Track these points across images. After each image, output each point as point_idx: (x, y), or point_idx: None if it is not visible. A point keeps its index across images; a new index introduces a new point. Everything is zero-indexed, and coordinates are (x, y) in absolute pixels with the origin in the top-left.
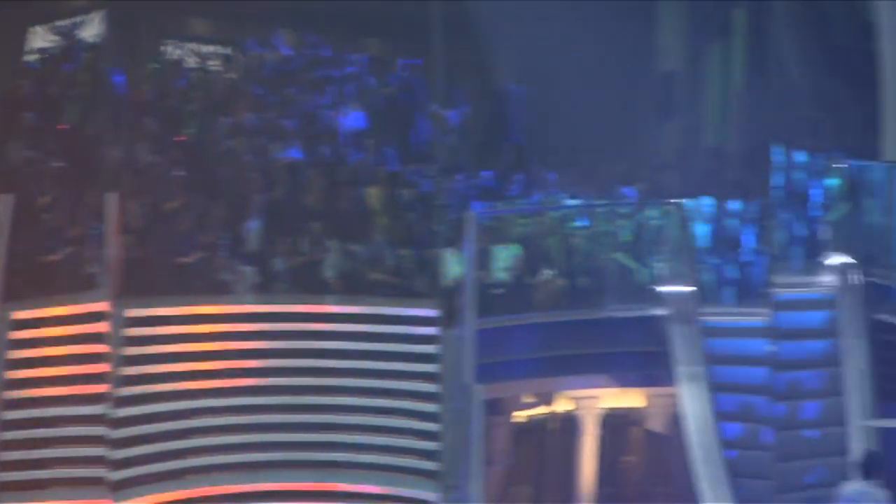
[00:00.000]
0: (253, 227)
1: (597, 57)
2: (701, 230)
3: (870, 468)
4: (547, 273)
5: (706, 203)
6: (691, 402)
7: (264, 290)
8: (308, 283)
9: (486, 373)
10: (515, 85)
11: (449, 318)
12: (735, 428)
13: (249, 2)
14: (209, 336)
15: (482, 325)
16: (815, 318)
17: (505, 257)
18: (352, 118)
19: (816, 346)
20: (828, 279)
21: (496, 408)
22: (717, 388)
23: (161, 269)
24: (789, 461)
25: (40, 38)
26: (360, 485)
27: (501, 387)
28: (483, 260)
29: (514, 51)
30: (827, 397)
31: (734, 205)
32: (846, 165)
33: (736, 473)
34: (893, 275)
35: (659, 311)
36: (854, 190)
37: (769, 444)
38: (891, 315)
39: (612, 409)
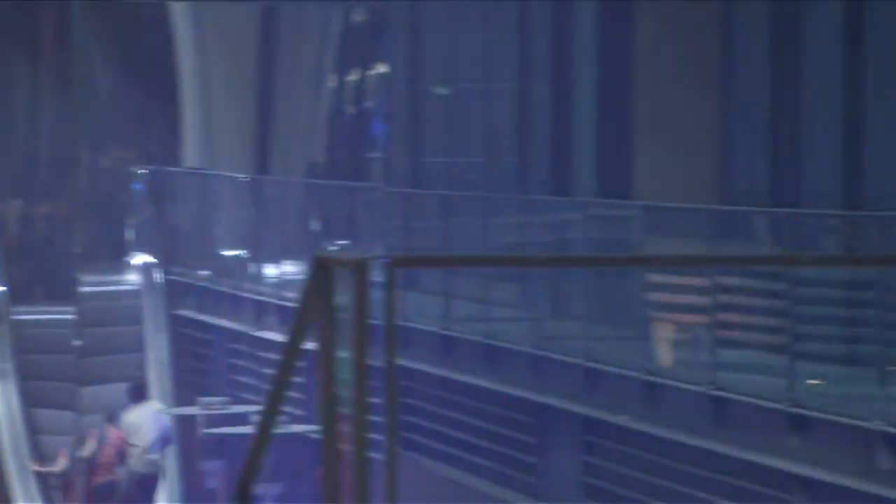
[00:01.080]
0: None
1: None
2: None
3: (136, 393)
4: None
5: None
6: (1, 397)
7: None
8: None
9: None
10: None
11: None
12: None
13: None
14: None
15: None
16: (121, 311)
17: None
18: None
19: (121, 337)
20: (133, 277)
21: None
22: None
23: None
24: (86, 416)
25: None
26: None
27: None
28: None
29: None
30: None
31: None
32: (148, 171)
33: (41, 432)
34: (192, 273)
35: None
36: (156, 194)
37: (70, 402)
38: (190, 310)
39: None
